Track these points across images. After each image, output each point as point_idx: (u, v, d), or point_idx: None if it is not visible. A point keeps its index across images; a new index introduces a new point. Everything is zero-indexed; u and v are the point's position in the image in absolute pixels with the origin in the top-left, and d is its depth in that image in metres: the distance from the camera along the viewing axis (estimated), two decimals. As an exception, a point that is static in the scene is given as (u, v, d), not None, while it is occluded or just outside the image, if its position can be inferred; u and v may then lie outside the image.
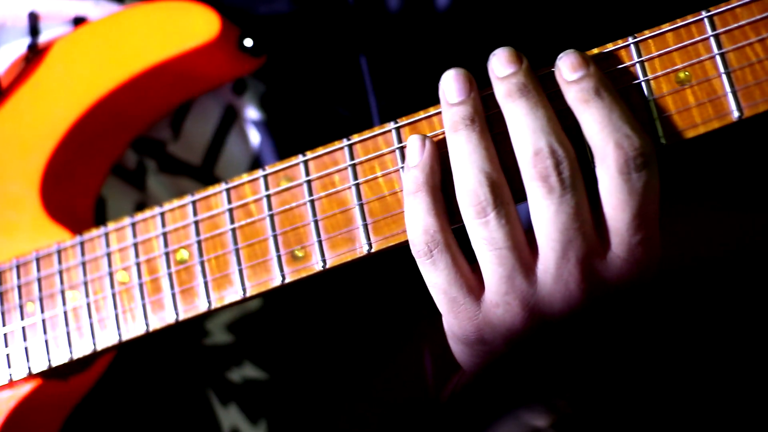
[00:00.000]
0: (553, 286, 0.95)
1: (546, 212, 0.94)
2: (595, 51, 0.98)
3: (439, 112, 1.01)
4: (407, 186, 0.99)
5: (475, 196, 0.95)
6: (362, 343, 1.30)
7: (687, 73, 0.95)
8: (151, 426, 1.29)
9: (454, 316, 0.99)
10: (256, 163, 1.28)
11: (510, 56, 0.98)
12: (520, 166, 0.95)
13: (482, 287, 0.98)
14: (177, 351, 1.30)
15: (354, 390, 1.33)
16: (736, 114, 0.93)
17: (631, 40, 0.97)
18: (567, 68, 0.96)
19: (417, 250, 0.98)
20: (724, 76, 0.93)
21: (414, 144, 1.00)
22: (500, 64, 0.98)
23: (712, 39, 0.94)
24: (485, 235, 0.95)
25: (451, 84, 0.99)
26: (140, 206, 1.28)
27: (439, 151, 1.00)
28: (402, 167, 1.02)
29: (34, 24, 1.24)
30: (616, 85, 0.96)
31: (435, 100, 1.01)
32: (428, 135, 1.01)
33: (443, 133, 1.01)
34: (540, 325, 0.96)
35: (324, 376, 1.33)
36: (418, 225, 0.98)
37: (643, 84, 0.96)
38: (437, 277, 0.98)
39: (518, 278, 0.95)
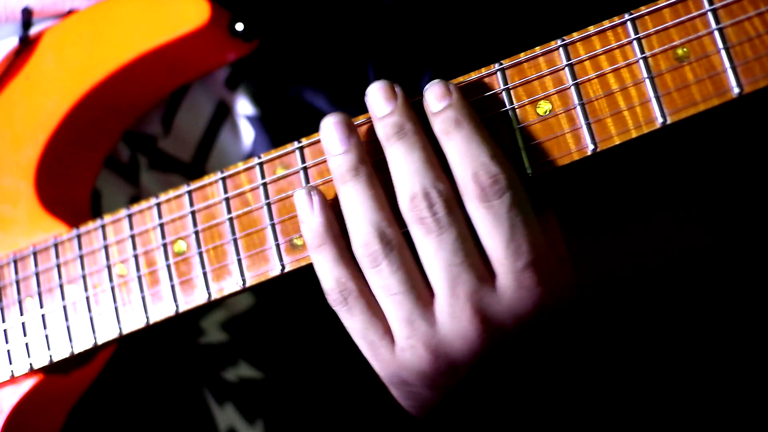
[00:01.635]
0: (450, 324, 0.96)
1: (428, 252, 0.96)
2: (591, 29, 0.97)
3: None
4: (309, 242, 1.00)
5: (366, 247, 0.97)
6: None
7: (685, 49, 0.94)
8: (147, 426, 1.29)
9: (375, 360, 1.01)
10: (249, 159, 1.26)
11: (385, 93, 0.98)
12: (401, 211, 0.96)
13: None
14: (172, 350, 1.29)
15: (349, 389, 1.33)
16: (736, 90, 0.91)
17: (627, 16, 0.95)
18: (431, 99, 0.97)
19: (332, 299, 0.99)
20: (723, 52, 0.92)
21: (302, 200, 1.00)
22: (376, 102, 0.99)
23: (710, 14, 0.92)
24: (381, 283, 0.97)
25: (332, 133, 0.99)
26: (134, 200, 1.27)
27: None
28: None
29: (27, 19, 1.22)
30: (610, 63, 0.95)
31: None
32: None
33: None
34: (447, 364, 0.97)
35: (319, 375, 1.33)
36: (329, 276, 0.99)
37: (641, 62, 0.94)
38: (355, 323, 0.99)
39: (417, 321, 0.97)
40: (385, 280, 0.96)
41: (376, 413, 1.32)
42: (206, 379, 1.31)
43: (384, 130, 0.98)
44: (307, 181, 1.04)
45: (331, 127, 0.99)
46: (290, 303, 1.32)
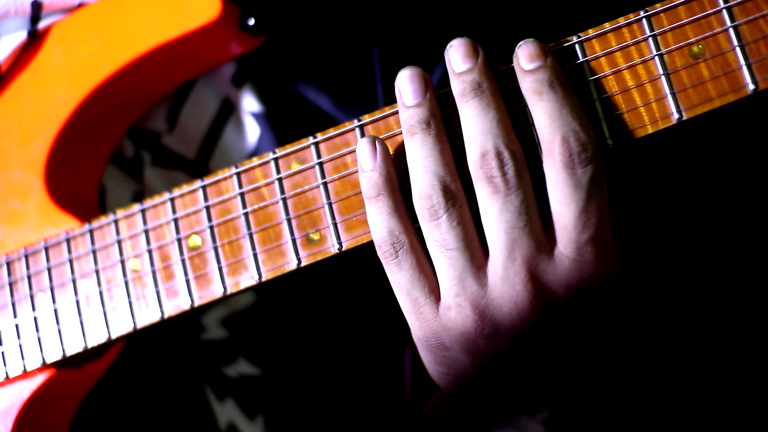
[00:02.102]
0: (502, 288, 0.96)
1: (491, 212, 0.95)
2: (607, 26, 0.98)
3: None
4: (366, 190, 0.99)
5: (428, 199, 0.96)
6: (355, 339, 1.30)
7: (700, 46, 0.95)
8: (148, 421, 1.29)
9: (416, 318, 1.00)
10: (253, 156, 1.26)
11: (467, 50, 0.98)
12: (469, 167, 0.96)
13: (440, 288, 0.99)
14: (174, 346, 1.30)
15: (348, 386, 1.33)
16: (751, 87, 0.93)
17: (642, 14, 0.97)
18: (524, 58, 0.97)
19: (383, 251, 0.99)
20: (738, 49, 0.93)
21: (364, 148, 1.00)
22: (457, 59, 0.98)
23: (724, 11, 0.94)
24: (437, 237, 0.97)
25: (406, 85, 0.99)
26: (138, 196, 1.27)
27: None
28: None
29: (36, 13, 1.22)
30: (626, 60, 0.96)
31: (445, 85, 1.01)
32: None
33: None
34: (491, 328, 0.97)
35: (317, 372, 1.34)
36: (383, 227, 0.99)
37: (657, 59, 0.96)
38: (401, 278, 0.99)
39: (468, 279, 0.97)
40: (442, 234, 0.96)
41: (375, 409, 1.32)
42: (207, 374, 1.31)
43: (461, 86, 0.98)
44: (323, 175, 1.05)
45: (406, 79, 0.99)
46: (290, 301, 1.32)
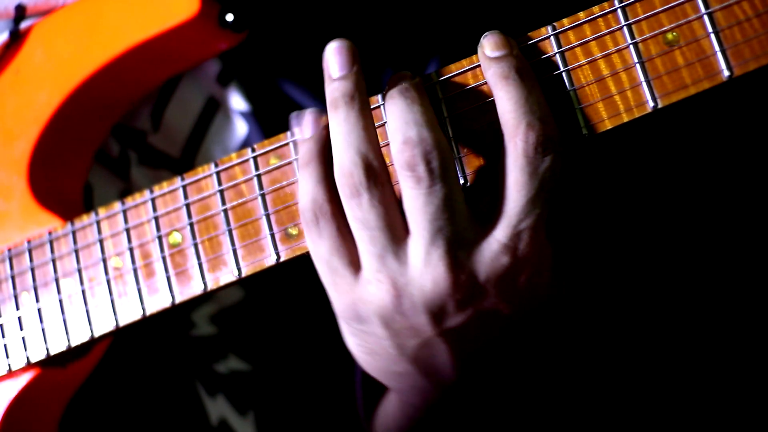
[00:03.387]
0: (423, 269, 0.95)
1: (415, 202, 0.94)
2: (582, 16, 0.97)
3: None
4: (300, 157, 0.99)
5: (349, 176, 0.94)
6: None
7: (675, 34, 0.94)
8: (140, 418, 1.29)
9: (334, 287, 1.00)
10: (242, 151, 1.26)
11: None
12: (392, 156, 0.94)
13: (360, 261, 0.98)
14: (165, 343, 1.30)
15: (338, 381, 1.33)
16: (726, 73, 0.92)
17: (617, 3, 0.96)
18: (490, 46, 0.96)
19: (305, 218, 0.98)
20: (712, 36, 0.93)
21: (309, 118, 1.00)
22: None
23: (699, -1, 0.93)
24: (358, 215, 0.95)
25: (333, 57, 0.97)
26: (125, 195, 1.27)
27: None
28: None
29: (20, 15, 1.22)
30: (601, 49, 0.96)
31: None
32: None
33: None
34: (409, 304, 0.96)
35: (307, 368, 1.33)
36: (308, 194, 0.98)
37: (632, 47, 0.95)
38: (321, 246, 0.98)
39: (389, 258, 0.96)
40: (364, 214, 0.95)
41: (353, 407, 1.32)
42: (198, 371, 1.31)
43: (389, 87, 0.97)
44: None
45: (333, 51, 0.97)
46: (279, 297, 1.32)
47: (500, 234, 0.95)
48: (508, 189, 0.94)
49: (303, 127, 1.00)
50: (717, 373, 1.38)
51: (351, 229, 0.97)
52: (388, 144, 0.99)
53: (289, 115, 1.09)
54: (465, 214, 0.94)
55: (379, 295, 0.97)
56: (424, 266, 0.95)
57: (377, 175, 0.94)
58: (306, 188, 0.98)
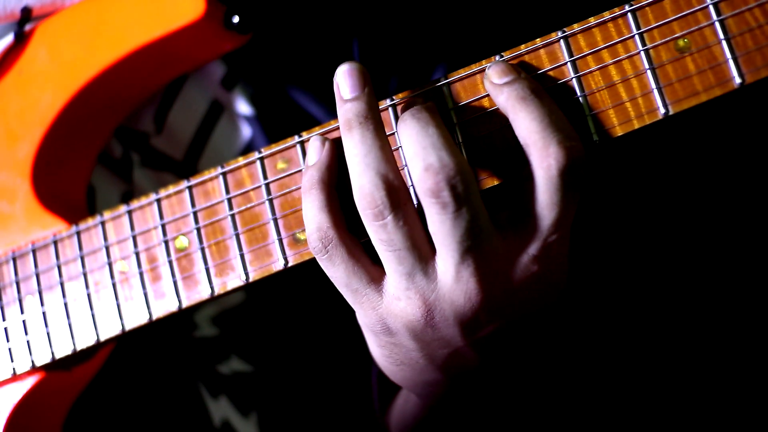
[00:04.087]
0: (454, 285, 0.95)
1: (441, 226, 0.93)
2: (592, 20, 0.97)
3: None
4: (303, 184, 0.99)
5: (371, 200, 0.93)
6: (345, 334, 1.29)
7: (686, 40, 0.94)
8: (143, 419, 1.29)
9: (359, 306, 1.00)
10: (249, 153, 1.25)
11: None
12: (414, 183, 0.93)
13: (383, 276, 0.98)
14: (168, 344, 1.29)
15: (341, 382, 1.33)
16: (737, 80, 0.92)
17: (627, 8, 0.96)
18: (497, 75, 0.96)
19: (313, 246, 0.98)
20: (724, 43, 0.92)
21: (313, 144, 1.00)
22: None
23: (710, 6, 0.93)
24: (383, 237, 0.94)
25: (344, 79, 0.97)
26: (127, 196, 1.27)
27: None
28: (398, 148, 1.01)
29: (26, 18, 1.21)
30: (612, 54, 0.96)
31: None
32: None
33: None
34: (441, 317, 0.96)
35: (310, 369, 1.33)
36: (312, 222, 0.97)
37: (643, 53, 0.95)
38: (336, 272, 0.98)
39: (418, 275, 0.95)
40: (389, 235, 0.94)
41: (367, 405, 1.32)
42: (201, 372, 1.31)
43: (403, 109, 0.97)
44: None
45: (345, 73, 0.97)
46: (281, 298, 1.32)
47: (533, 248, 0.95)
48: (539, 207, 0.94)
49: (308, 155, 1.00)
50: (720, 374, 1.38)
51: (376, 249, 0.96)
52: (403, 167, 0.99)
53: (294, 119, 1.08)
54: (492, 231, 0.94)
55: (409, 310, 0.97)
56: (455, 283, 0.94)
57: (399, 195, 0.93)
58: (309, 216, 0.98)
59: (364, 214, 0.94)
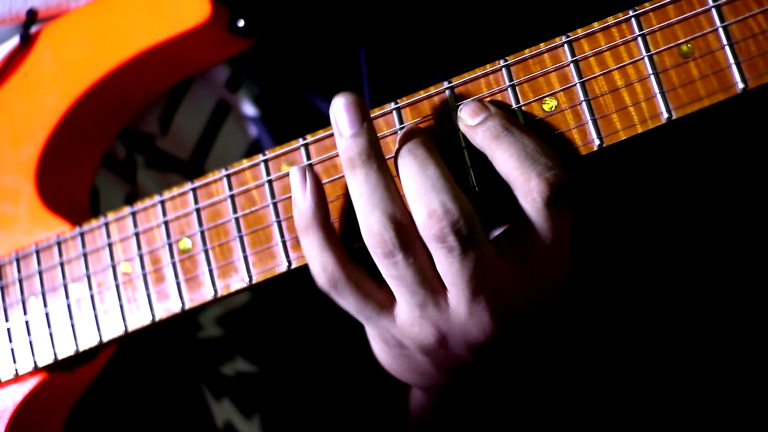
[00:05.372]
0: (468, 320, 0.96)
1: (450, 268, 0.93)
2: (596, 25, 0.97)
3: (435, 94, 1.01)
4: (297, 223, 0.98)
5: (381, 240, 0.93)
6: (350, 336, 1.30)
7: (690, 45, 0.94)
8: (145, 420, 1.29)
9: (374, 329, 1.01)
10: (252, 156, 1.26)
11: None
12: (418, 228, 0.93)
13: (394, 302, 0.99)
14: (171, 344, 1.30)
15: (345, 383, 1.34)
16: (740, 85, 0.92)
17: (631, 13, 0.96)
18: (468, 116, 0.96)
19: (320, 284, 0.98)
20: (727, 48, 0.93)
21: (296, 179, 0.97)
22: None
23: (714, 11, 0.93)
24: (394, 274, 0.95)
25: (342, 114, 0.94)
26: (131, 198, 1.27)
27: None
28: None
29: (31, 20, 1.22)
30: (615, 59, 0.96)
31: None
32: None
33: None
34: (455, 342, 0.98)
35: (314, 370, 1.33)
36: (317, 263, 0.97)
37: (646, 58, 0.95)
38: (347, 305, 0.99)
39: (430, 307, 0.96)
40: (400, 272, 0.94)
41: (372, 406, 1.32)
42: (204, 373, 1.31)
43: (398, 144, 0.96)
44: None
45: (342, 107, 0.94)
46: (286, 299, 1.32)
47: (539, 270, 0.96)
48: (535, 233, 0.94)
49: (295, 189, 0.97)
50: (722, 375, 1.38)
51: (387, 282, 0.97)
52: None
53: (299, 119, 1.09)
54: (499, 265, 0.95)
55: (422, 335, 0.98)
56: (470, 318, 0.96)
57: (408, 233, 0.93)
58: (311, 256, 0.98)
59: (374, 253, 0.94)
